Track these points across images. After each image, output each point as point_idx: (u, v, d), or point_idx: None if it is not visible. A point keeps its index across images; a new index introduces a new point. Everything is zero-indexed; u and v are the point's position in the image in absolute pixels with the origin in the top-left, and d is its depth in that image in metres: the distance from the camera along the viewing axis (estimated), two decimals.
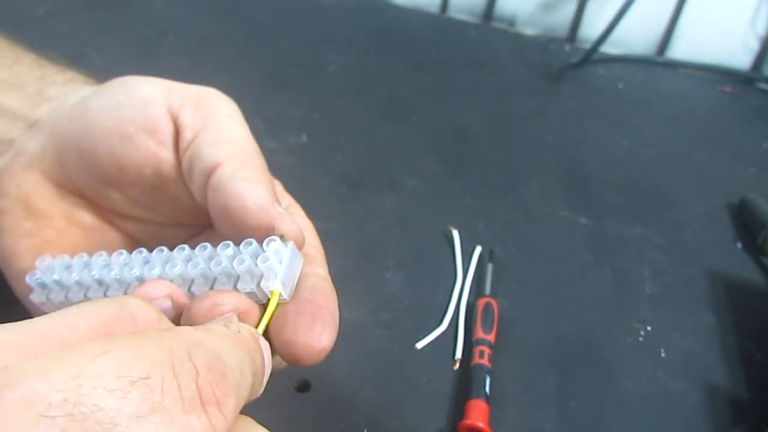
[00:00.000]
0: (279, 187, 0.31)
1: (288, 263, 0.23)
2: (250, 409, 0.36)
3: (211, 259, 0.23)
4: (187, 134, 0.26)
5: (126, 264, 0.24)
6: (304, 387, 0.37)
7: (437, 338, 0.41)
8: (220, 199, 0.24)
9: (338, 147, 0.57)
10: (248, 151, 0.26)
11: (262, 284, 0.22)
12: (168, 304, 0.23)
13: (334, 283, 0.26)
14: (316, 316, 0.23)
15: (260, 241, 0.23)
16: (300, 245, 0.24)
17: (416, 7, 0.82)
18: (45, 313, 0.26)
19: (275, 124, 0.57)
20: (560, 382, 0.39)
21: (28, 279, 0.26)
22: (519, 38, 0.79)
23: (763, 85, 0.75)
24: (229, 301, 0.22)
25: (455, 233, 0.48)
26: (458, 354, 0.40)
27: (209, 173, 0.25)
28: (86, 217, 0.30)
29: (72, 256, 0.27)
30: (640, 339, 0.43)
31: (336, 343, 0.37)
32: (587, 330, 0.43)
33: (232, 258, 0.23)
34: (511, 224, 0.51)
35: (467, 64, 0.72)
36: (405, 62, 0.71)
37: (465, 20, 0.82)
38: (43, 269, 0.26)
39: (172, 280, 0.23)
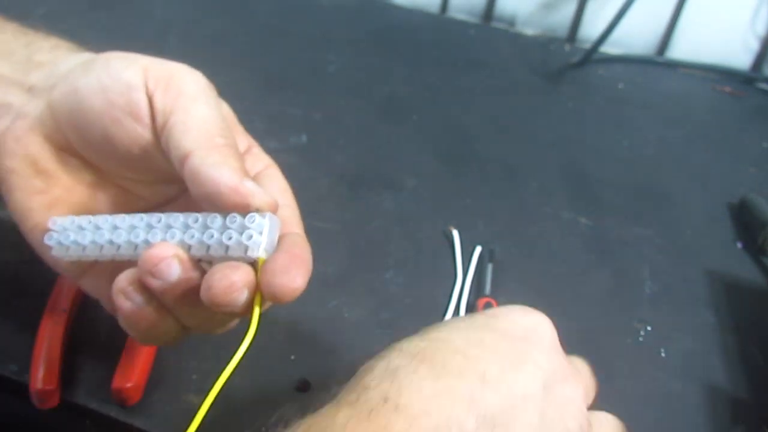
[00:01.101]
0: (256, 148, 0.34)
1: (268, 233, 0.27)
2: (251, 408, 0.36)
3: (204, 227, 0.27)
4: (159, 119, 0.29)
5: (133, 228, 0.28)
6: (304, 387, 0.37)
7: None
8: (196, 187, 0.27)
9: (338, 147, 0.57)
10: (212, 133, 0.28)
11: (249, 253, 0.26)
12: (176, 262, 0.26)
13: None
14: (291, 262, 0.27)
15: (242, 214, 0.27)
16: (274, 211, 0.27)
17: (416, 7, 0.82)
18: (62, 261, 0.30)
19: (275, 124, 0.57)
20: None
21: (46, 240, 0.30)
22: (519, 38, 0.79)
23: (763, 85, 0.75)
24: (242, 278, 0.26)
25: (455, 233, 0.48)
26: None
27: (182, 162, 0.27)
28: (88, 176, 0.32)
29: (79, 210, 0.31)
30: (640, 339, 0.43)
31: (336, 343, 0.37)
32: (587, 330, 0.43)
33: (222, 229, 0.27)
34: (511, 224, 0.51)
35: (467, 64, 0.72)
36: (405, 62, 0.71)
37: (465, 20, 0.82)
38: (58, 229, 0.29)
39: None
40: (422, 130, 0.60)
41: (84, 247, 0.29)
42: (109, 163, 0.31)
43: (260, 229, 0.26)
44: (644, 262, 0.49)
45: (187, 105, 0.29)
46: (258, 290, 0.26)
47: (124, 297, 0.27)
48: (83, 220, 0.29)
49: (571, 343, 0.42)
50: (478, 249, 0.47)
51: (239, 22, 0.74)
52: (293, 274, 0.26)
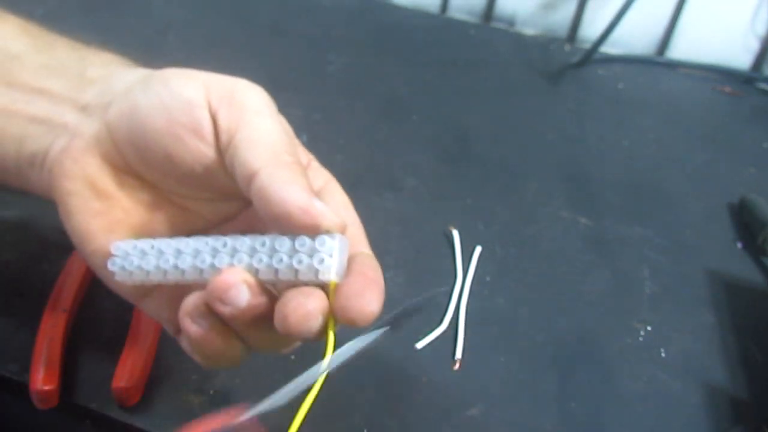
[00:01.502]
0: (314, 162, 0.33)
1: (339, 255, 0.26)
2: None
3: (272, 251, 0.26)
4: (223, 137, 0.28)
5: (198, 253, 0.27)
6: None
7: (437, 338, 0.41)
8: (263, 206, 0.26)
9: (338, 147, 0.57)
10: (279, 149, 0.27)
11: (320, 277, 0.26)
12: (245, 288, 0.26)
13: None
14: (364, 286, 0.26)
15: (311, 236, 0.26)
16: (343, 232, 0.27)
17: (416, 7, 0.83)
18: (124, 286, 0.30)
19: None
20: (560, 382, 0.39)
21: (110, 266, 0.29)
22: (519, 38, 0.79)
23: (763, 85, 0.75)
24: (317, 306, 0.25)
25: (455, 233, 0.48)
26: (458, 354, 0.40)
27: (249, 180, 0.27)
28: (147, 196, 0.31)
29: (139, 231, 0.30)
30: (640, 339, 0.43)
31: (336, 342, 0.38)
32: (587, 330, 0.43)
33: (291, 253, 0.26)
34: (511, 224, 0.51)
35: (467, 64, 0.72)
36: (405, 62, 0.71)
37: (465, 20, 0.82)
38: (121, 254, 0.29)
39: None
40: (422, 130, 0.60)
41: (148, 272, 0.29)
42: (168, 182, 0.30)
43: (331, 251, 0.26)
44: (644, 262, 0.49)
45: (252, 121, 0.28)
46: (331, 314, 0.26)
47: (191, 321, 0.27)
48: (145, 244, 0.29)
49: (571, 343, 0.42)
50: (478, 249, 0.47)
51: (239, 22, 0.74)
52: (368, 298, 0.26)
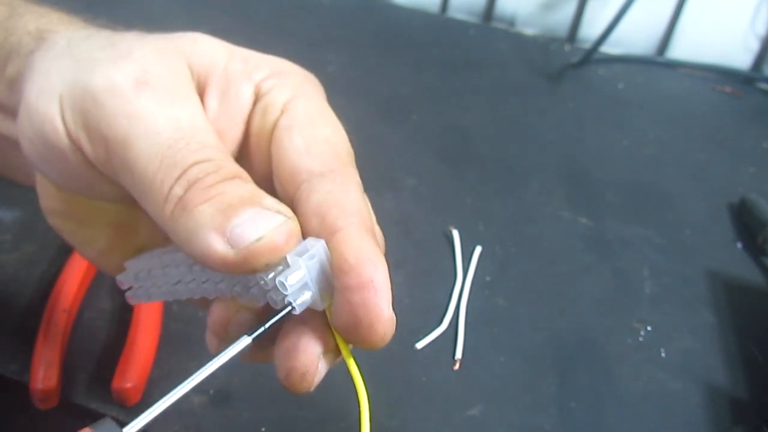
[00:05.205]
0: (268, 81, 0.27)
1: (310, 279, 0.21)
2: (251, 409, 0.36)
3: (246, 288, 0.23)
4: (104, 169, 0.24)
5: (192, 280, 0.25)
6: None
7: (437, 338, 0.41)
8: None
9: None
10: (165, 177, 0.21)
11: (300, 311, 0.22)
12: (244, 313, 0.24)
13: None
14: (355, 313, 0.21)
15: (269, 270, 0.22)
16: (297, 240, 0.21)
17: (416, 7, 0.82)
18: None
19: None
20: (560, 382, 0.39)
21: (118, 283, 0.29)
22: (519, 38, 0.79)
23: (763, 85, 0.75)
24: (313, 357, 0.23)
25: (455, 233, 0.48)
26: (458, 354, 0.40)
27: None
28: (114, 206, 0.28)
29: (133, 241, 0.29)
30: (640, 339, 0.43)
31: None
32: (587, 330, 0.43)
33: (262, 293, 0.22)
34: (511, 224, 0.51)
35: (467, 64, 0.72)
36: (405, 62, 0.71)
37: (465, 20, 0.82)
38: (125, 282, 0.28)
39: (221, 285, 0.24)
40: (422, 130, 0.60)
41: (153, 296, 0.28)
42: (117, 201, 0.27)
43: (297, 286, 0.21)
44: (644, 262, 0.49)
45: (116, 153, 0.22)
46: (338, 340, 0.23)
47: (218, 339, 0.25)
48: (144, 277, 0.28)
49: (571, 343, 0.42)
50: (478, 249, 0.47)
51: (239, 22, 0.74)
52: (366, 326, 0.21)
